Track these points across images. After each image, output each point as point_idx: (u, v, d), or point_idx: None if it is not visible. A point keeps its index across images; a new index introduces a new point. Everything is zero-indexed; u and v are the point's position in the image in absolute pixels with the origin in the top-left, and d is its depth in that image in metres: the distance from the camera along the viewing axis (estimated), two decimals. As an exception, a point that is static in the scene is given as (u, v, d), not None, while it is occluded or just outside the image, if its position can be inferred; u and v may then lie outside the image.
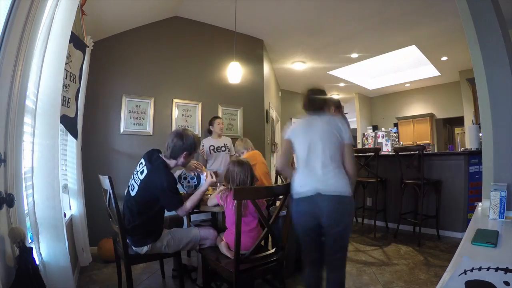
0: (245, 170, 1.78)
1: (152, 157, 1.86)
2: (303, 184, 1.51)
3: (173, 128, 3.48)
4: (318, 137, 1.53)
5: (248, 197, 1.58)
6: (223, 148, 3.31)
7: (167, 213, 2.00)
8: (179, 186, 2.20)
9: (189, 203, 1.85)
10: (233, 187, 1.74)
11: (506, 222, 1.27)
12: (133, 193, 1.81)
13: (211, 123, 3.38)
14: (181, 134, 1.84)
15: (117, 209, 1.73)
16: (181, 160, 1.87)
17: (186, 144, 1.82)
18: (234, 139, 3.60)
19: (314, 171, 1.50)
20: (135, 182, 1.82)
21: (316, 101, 1.66)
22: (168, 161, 1.87)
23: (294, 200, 1.54)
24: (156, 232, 1.84)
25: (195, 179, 2.19)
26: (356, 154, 3.92)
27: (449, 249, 2.94)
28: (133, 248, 1.81)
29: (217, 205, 1.83)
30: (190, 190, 2.17)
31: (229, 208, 1.73)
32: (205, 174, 2.18)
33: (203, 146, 3.28)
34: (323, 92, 1.69)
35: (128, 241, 1.80)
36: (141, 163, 1.86)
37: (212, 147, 3.27)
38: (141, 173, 1.81)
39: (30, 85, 1.37)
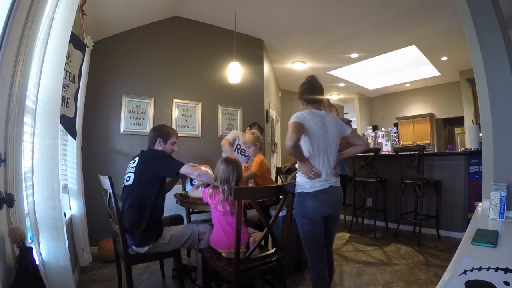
0: (230, 169, 1.75)
1: (143, 151, 2.03)
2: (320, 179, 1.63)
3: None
4: (332, 140, 1.68)
5: (248, 197, 1.58)
6: (246, 153, 3.09)
7: (166, 213, 2.01)
8: (188, 185, 2.25)
9: (188, 166, 1.91)
10: (220, 185, 1.74)
11: (506, 222, 1.27)
12: (129, 183, 1.87)
13: (250, 127, 3.17)
14: (154, 127, 2.09)
15: (117, 209, 1.73)
16: (159, 148, 2.02)
17: (157, 132, 2.02)
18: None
19: (327, 167, 1.65)
20: (130, 172, 1.90)
21: (319, 89, 1.75)
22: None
23: (311, 193, 1.62)
24: (156, 229, 1.84)
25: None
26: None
27: (449, 249, 2.94)
28: (134, 248, 1.81)
29: (201, 199, 1.85)
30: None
31: (214, 207, 1.74)
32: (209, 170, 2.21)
33: (232, 138, 3.05)
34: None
35: (128, 241, 1.80)
36: (133, 158, 2.01)
37: (238, 146, 3.13)
38: (134, 162, 1.94)
39: (30, 85, 1.37)
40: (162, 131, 2.02)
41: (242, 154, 3.12)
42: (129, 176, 1.89)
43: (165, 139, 2.02)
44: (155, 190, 1.85)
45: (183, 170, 1.87)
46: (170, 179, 2.23)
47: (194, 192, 1.99)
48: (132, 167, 1.91)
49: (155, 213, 1.86)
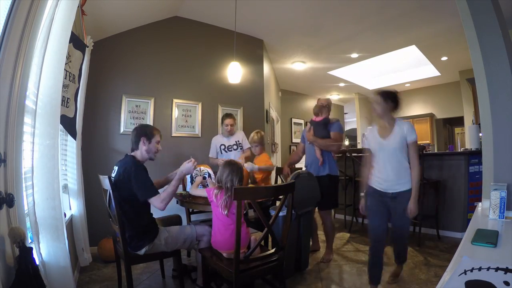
0: (232, 172, 1.76)
1: (122, 158, 1.94)
2: None
3: (173, 128, 3.49)
4: None
5: (248, 197, 1.58)
6: (235, 147, 3.12)
7: (164, 213, 2.00)
8: (189, 185, 2.23)
9: (164, 193, 1.81)
10: (226, 189, 1.74)
11: (506, 222, 1.27)
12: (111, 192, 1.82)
13: (221, 121, 3.17)
14: (136, 127, 1.99)
15: (117, 209, 1.73)
16: (143, 148, 1.92)
17: (141, 131, 1.93)
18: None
19: None
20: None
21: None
22: (134, 154, 1.93)
23: None
24: (149, 232, 1.82)
25: (206, 179, 2.19)
26: (355, 154, 3.94)
27: (449, 249, 2.94)
28: (132, 252, 1.81)
29: (203, 197, 1.87)
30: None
31: (217, 207, 1.74)
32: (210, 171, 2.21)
33: (214, 146, 3.11)
34: None
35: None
36: (117, 163, 1.91)
37: (222, 146, 3.11)
38: (113, 172, 1.86)
39: (30, 85, 1.37)
40: (145, 130, 1.94)
41: (230, 151, 3.12)
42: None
43: (149, 137, 1.92)
44: (136, 203, 1.78)
45: (152, 201, 1.77)
46: (159, 180, 2.19)
47: (196, 191, 1.98)
48: (112, 177, 1.83)
49: (142, 220, 1.81)
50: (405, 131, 1.96)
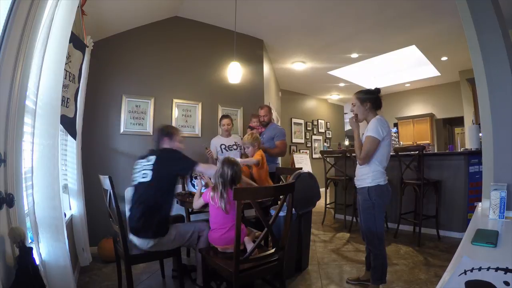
0: (229, 167, 1.79)
1: (152, 150, 2.06)
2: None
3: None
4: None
5: (248, 198, 1.58)
6: (234, 147, 3.26)
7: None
8: (189, 185, 2.29)
9: (206, 165, 2.02)
10: (220, 186, 1.77)
11: (506, 222, 1.27)
12: (147, 179, 1.87)
13: (219, 122, 3.39)
14: (159, 128, 2.18)
15: (117, 209, 1.73)
16: (167, 145, 2.06)
17: (164, 132, 2.10)
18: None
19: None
20: (146, 169, 1.90)
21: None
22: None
23: (386, 184, 2.00)
24: (166, 224, 1.88)
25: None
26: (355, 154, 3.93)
27: (449, 249, 2.94)
28: (138, 243, 1.81)
29: (204, 204, 1.91)
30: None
31: (215, 208, 1.77)
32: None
33: (214, 147, 3.23)
34: None
35: (134, 238, 1.81)
36: (142, 157, 1.99)
37: (223, 146, 3.23)
38: (149, 161, 1.92)
39: (30, 85, 1.37)
40: (167, 131, 2.10)
41: (230, 150, 3.21)
42: (146, 173, 1.89)
43: (170, 137, 2.08)
44: (171, 188, 1.93)
45: (199, 169, 1.92)
46: None
47: (197, 203, 1.97)
48: (148, 165, 1.91)
49: (167, 210, 1.91)
50: None
